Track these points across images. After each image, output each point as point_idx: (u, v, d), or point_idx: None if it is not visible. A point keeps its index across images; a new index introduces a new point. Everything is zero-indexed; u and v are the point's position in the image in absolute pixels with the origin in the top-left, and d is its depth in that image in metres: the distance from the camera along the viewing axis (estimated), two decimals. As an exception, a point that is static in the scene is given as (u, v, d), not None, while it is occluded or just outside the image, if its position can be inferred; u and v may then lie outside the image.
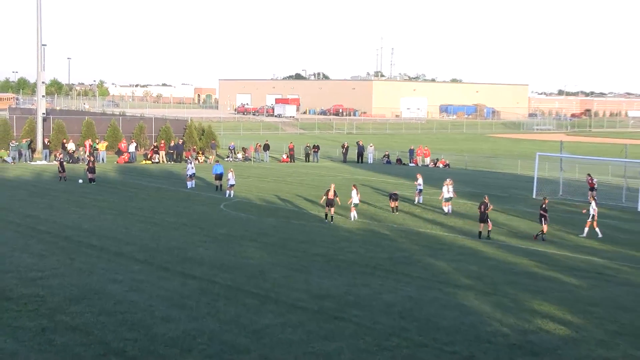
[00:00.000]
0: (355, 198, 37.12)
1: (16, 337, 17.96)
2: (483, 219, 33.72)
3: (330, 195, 36.08)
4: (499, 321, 20.44)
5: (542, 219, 33.56)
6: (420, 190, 44.15)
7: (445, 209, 40.55)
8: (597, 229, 34.24)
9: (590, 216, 34.32)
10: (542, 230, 33.43)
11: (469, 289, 24.00)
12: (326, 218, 36.49)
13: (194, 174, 49.46)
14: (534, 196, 47.27)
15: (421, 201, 44.00)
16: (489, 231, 33.70)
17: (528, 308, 21.93)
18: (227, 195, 44.40)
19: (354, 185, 38.04)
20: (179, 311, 20.44)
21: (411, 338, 18.74)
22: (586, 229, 34.45)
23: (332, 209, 36.30)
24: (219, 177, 48.26)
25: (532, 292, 23.84)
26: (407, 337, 18.77)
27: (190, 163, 50.64)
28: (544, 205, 34.02)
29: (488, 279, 25.51)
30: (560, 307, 22.14)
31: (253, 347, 17.69)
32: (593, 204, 34.85)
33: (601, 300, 23.21)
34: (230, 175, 45.27)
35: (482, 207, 33.70)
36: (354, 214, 37.12)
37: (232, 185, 45.02)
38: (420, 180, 43.95)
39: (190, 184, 48.87)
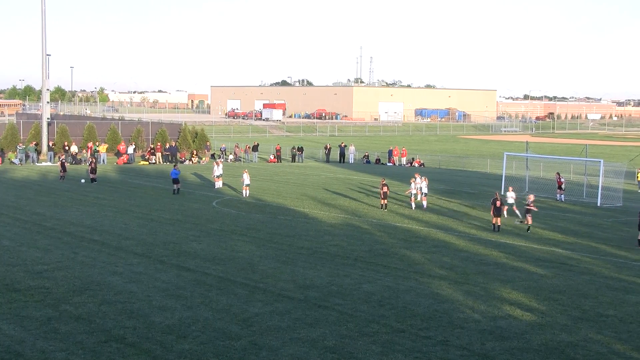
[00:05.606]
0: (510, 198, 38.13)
1: (23, 325, 17.86)
2: (497, 213, 34.08)
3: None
4: (470, 308, 20.47)
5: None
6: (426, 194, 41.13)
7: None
8: None
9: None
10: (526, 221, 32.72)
11: (443, 279, 24.01)
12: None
13: (220, 174, 48.03)
14: (502, 193, 47.32)
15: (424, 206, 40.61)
16: (498, 226, 34.13)
17: (497, 296, 21.98)
18: (244, 195, 43.66)
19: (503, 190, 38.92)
20: (174, 301, 20.37)
21: (390, 324, 18.73)
22: None
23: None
24: (176, 181, 44.97)
25: (501, 281, 23.90)
26: (386, 324, 18.77)
27: (218, 165, 48.69)
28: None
29: (460, 269, 25.53)
30: (527, 294, 22.20)
31: (243, 334, 17.65)
32: None
33: (564, 288, 23.29)
34: (245, 176, 44.32)
35: (497, 202, 33.98)
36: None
37: (247, 185, 44.03)
38: (421, 182, 41.10)
39: (218, 184, 47.62)
